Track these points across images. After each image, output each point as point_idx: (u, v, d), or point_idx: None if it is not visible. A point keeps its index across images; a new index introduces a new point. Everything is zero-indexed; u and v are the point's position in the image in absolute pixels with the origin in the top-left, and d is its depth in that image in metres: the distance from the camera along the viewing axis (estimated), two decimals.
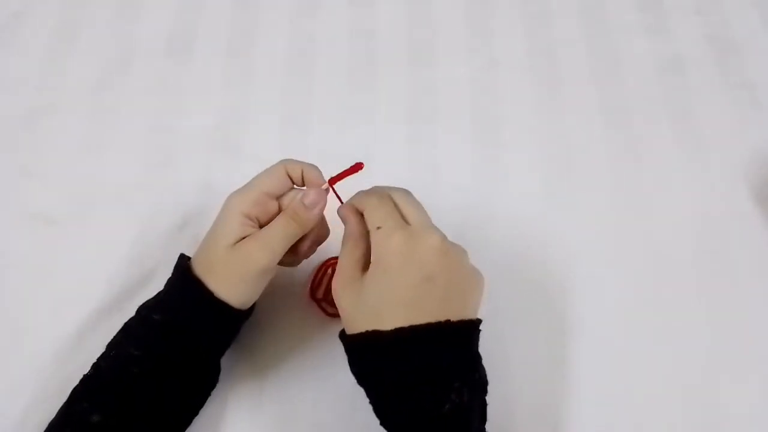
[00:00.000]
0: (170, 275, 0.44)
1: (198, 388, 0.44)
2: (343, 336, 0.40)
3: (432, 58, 0.65)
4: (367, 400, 0.39)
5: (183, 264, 0.43)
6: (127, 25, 0.67)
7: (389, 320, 0.37)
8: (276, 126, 0.61)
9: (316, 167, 0.44)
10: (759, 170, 0.58)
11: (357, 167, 0.44)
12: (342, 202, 0.43)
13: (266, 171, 0.44)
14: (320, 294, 0.51)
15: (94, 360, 0.42)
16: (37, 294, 0.52)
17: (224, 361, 0.46)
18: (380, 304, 0.37)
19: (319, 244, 0.45)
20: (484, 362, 0.40)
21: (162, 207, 0.56)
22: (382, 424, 0.38)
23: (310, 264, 0.50)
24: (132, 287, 0.52)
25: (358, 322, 0.38)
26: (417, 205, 0.41)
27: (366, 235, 0.41)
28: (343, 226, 0.43)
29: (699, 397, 0.48)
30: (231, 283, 0.41)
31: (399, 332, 0.36)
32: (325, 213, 0.44)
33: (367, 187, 0.43)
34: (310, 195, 0.42)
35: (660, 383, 0.49)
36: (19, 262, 0.54)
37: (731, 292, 0.52)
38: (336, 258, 0.51)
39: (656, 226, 0.55)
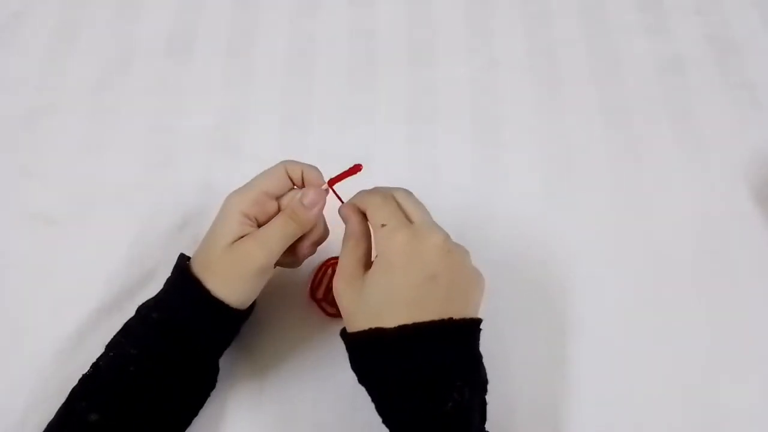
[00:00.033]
0: (170, 275, 0.44)
1: (197, 387, 0.44)
2: (345, 334, 0.40)
3: (432, 58, 0.65)
4: (368, 400, 0.39)
5: (182, 263, 0.43)
6: (127, 25, 0.67)
7: (392, 318, 0.37)
8: (276, 126, 0.61)
9: (316, 168, 0.44)
10: (759, 170, 0.58)
11: (356, 169, 0.44)
12: (341, 213, 0.43)
13: (266, 171, 0.44)
14: (320, 294, 0.51)
15: (94, 360, 0.42)
16: (37, 294, 0.52)
17: (224, 361, 0.46)
18: (383, 301, 0.38)
19: (319, 244, 0.45)
20: (485, 362, 0.40)
21: (162, 207, 0.56)
22: (384, 422, 0.38)
23: (310, 264, 0.50)
24: (132, 287, 0.52)
25: (359, 320, 0.38)
26: (419, 204, 0.41)
27: (367, 234, 0.41)
28: (342, 227, 0.43)
29: (699, 397, 0.48)
30: (228, 281, 0.41)
31: (402, 330, 0.37)
32: (325, 214, 0.44)
33: (367, 187, 0.43)
34: (309, 195, 0.42)
35: (660, 383, 0.49)
36: (19, 262, 0.54)
37: (731, 292, 0.52)
38: (336, 258, 0.51)
39: (656, 226, 0.55)
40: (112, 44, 0.66)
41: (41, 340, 0.49)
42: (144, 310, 0.43)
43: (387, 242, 0.38)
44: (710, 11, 0.67)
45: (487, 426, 0.39)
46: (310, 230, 0.43)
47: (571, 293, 0.52)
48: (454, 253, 0.39)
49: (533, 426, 0.47)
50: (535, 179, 0.58)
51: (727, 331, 0.51)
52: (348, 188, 0.44)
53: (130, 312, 0.43)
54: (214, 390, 0.45)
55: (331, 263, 0.52)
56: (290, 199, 0.44)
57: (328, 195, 0.44)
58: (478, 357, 0.39)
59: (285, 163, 0.44)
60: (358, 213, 0.42)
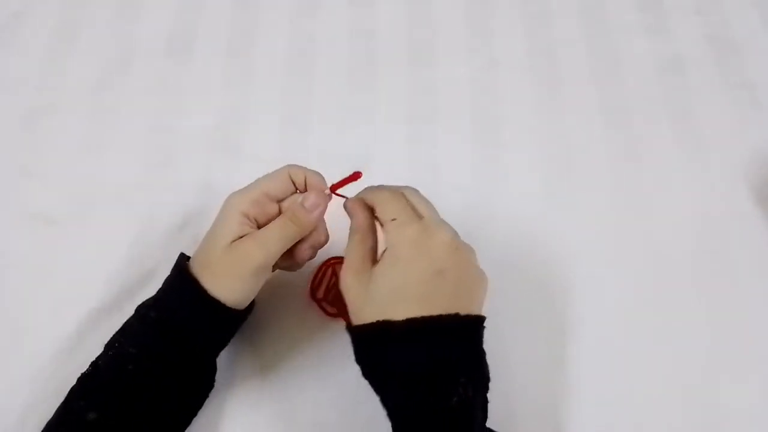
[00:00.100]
0: (169, 274, 0.44)
1: (195, 387, 0.44)
2: (350, 327, 0.40)
3: (432, 58, 0.65)
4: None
5: (181, 263, 0.44)
6: (127, 25, 0.67)
7: (400, 311, 0.37)
8: (276, 126, 0.61)
9: (319, 174, 0.44)
10: (759, 170, 0.58)
11: (356, 176, 0.44)
12: (346, 207, 0.43)
13: (269, 173, 0.44)
14: (320, 294, 0.51)
15: (94, 360, 0.42)
16: (37, 294, 0.52)
17: (224, 361, 0.46)
18: (391, 295, 0.38)
19: (318, 249, 0.45)
20: None
21: (162, 207, 0.56)
22: (388, 415, 0.38)
23: (310, 264, 0.50)
24: (132, 287, 0.52)
25: (366, 313, 0.38)
26: (428, 202, 0.42)
27: (373, 229, 0.42)
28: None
29: (699, 397, 0.48)
30: (225, 280, 0.41)
31: (410, 323, 0.37)
32: (325, 219, 0.44)
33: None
34: (311, 198, 0.43)
35: (660, 383, 0.49)
36: (19, 262, 0.54)
37: (731, 292, 0.52)
38: (336, 258, 0.51)
39: (656, 226, 0.55)
40: (112, 44, 0.66)
41: (41, 340, 0.49)
42: (143, 309, 0.43)
43: (397, 236, 0.39)
44: (710, 11, 0.67)
45: (487, 425, 0.39)
46: (310, 234, 0.44)
47: (571, 293, 0.52)
48: (462, 250, 0.39)
49: (533, 426, 0.47)
50: (535, 179, 0.58)
51: (727, 331, 0.51)
52: (348, 190, 0.44)
53: (130, 312, 0.43)
54: (214, 390, 0.45)
55: (332, 263, 0.52)
56: (291, 202, 0.44)
57: (330, 200, 0.44)
58: (483, 354, 0.39)
59: (288, 167, 0.44)
60: (364, 208, 0.42)
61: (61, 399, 0.41)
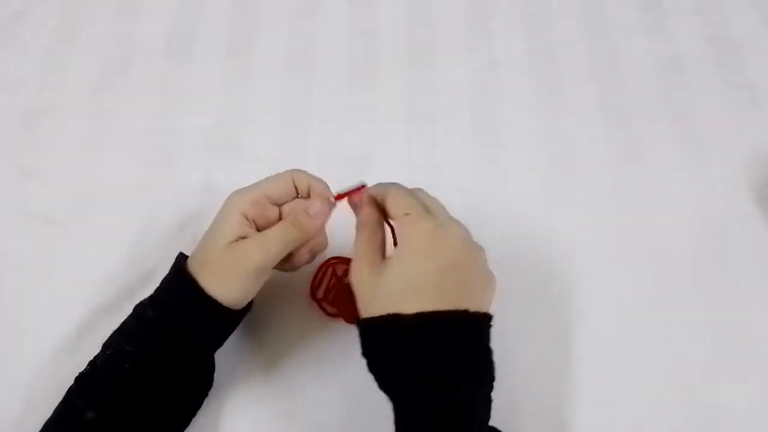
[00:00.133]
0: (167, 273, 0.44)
1: (193, 386, 0.44)
2: (359, 320, 0.40)
3: (432, 58, 0.65)
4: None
5: (179, 261, 0.44)
6: (127, 25, 0.67)
7: (411, 304, 0.37)
8: (276, 126, 0.61)
9: (324, 182, 0.45)
10: (759, 170, 0.58)
11: (361, 189, 0.43)
12: (352, 201, 0.43)
13: (272, 176, 0.44)
14: (320, 294, 0.51)
15: None
16: (37, 294, 0.52)
17: (224, 361, 0.46)
18: (403, 288, 0.38)
19: (316, 254, 0.46)
20: None
21: (162, 207, 0.56)
22: (393, 409, 0.38)
23: (310, 264, 0.50)
24: (132, 287, 0.52)
25: (376, 306, 0.38)
26: (438, 201, 0.42)
27: (381, 223, 0.42)
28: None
29: (699, 397, 0.48)
30: (224, 280, 0.41)
31: (420, 317, 0.37)
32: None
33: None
34: (316, 205, 0.43)
35: (660, 383, 0.49)
36: (19, 262, 0.54)
37: (731, 292, 0.52)
38: (336, 258, 0.51)
39: (656, 226, 0.55)
40: (112, 44, 0.66)
41: (41, 340, 0.49)
42: (140, 308, 0.43)
43: (411, 229, 0.39)
44: (710, 11, 0.67)
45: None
46: (310, 239, 0.44)
47: (571, 293, 0.52)
48: (474, 248, 0.40)
49: (533, 426, 0.47)
50: (535, 179, 0.58)
51: (727, 331, 0.51)
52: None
53: (129, 312, 0.43)
54: (213, 389, 0.45)
55: (332, 263, 0.52)
56: (294, 206, 0.44)
57: (335, 209, 0.44)
58: (489, 352, 0.39)
59: (292, 172, 0.44)
60: (371, 203, 0.42)
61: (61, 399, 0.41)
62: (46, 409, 0.41)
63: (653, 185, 0.57)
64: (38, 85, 0.63)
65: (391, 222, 0.42)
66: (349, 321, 0.49)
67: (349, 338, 0.49)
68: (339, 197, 0.44)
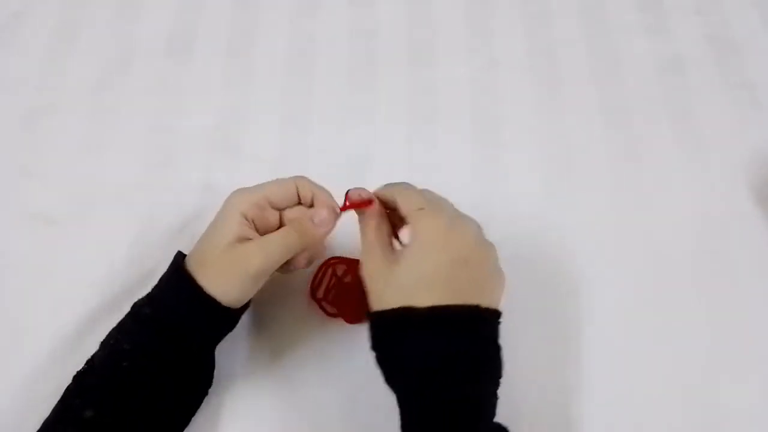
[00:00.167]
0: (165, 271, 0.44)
1: (192, 385, 0.44)
2: (370, 313, 0.40)
3: (432, 58, 0.65)
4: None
5: (177, 260, 0.44)
6: (127, 25, 0.67)
7: (424, 298, 0.37)
8: (276, 126, 0.61)
9: (328, 192, 0.44)
10: (759, 170, 0.58)
11: (369, 203, 0.43)
12: (357, 203, 0.43)
13: (276, 180, 0.44)
14: (320, 294, 0.51)
15: None
16: (37, 294, 0.52)
17: (224, 360, 0.46)
18: (416, 281, 0.38)
19: (314, 260, 0.46)
20: None
21: (162, 207, 0.56)
22: (399, 404, 0.38)
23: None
24: (132, 287, 0.51)
25: (388, 299, 0.38)
26: (447, 199, 0.43)
27: (386, 217, 0.42)
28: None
29: (699, 397, 0.48)
30: (223, 280, 0.41)
31: (433, 310, 0.37)
32: None
33: (366, 187, 0.43)
34: (322, 213, 0.43)
35: (660, 383, 0.49)
36: (19, 262, 0.54)
37: (731, 292, 0.52)
38: (336, 258, 0.51)
39: (656, 226, 0.55)
40: (112, 44, 0.66)
41: (41, 340, 0.49)
42: (137, 306, 0.43)
43: (426, 223, 0.39)
44: (710, 11, 0.67)
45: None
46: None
47: (571, 293, 0.52)
48: (487, 244, 0.40)
49: (533, 426, 0.47)
50: (535, 179, 0.58)
51: (727, 331, 0.50)
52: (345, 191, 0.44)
53: None
54: (213, 389, 0.45)
55: (332, 263, 0.52)
56: (298, 213, 0.44)
57: (339, 219, 0.43)
58: (498, 349, 0.39)
59: (296, 178, 0.44)
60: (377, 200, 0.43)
61: None
62: (45, 409, 0.41)
63: (653, 185, 0.57)
64: (38, 85, 0.63)
65: (405, 217, 0.41)
66: (349, 321, 0.49)
67: (349, 338, 0.49)
68: (344, 208, 0.43)
